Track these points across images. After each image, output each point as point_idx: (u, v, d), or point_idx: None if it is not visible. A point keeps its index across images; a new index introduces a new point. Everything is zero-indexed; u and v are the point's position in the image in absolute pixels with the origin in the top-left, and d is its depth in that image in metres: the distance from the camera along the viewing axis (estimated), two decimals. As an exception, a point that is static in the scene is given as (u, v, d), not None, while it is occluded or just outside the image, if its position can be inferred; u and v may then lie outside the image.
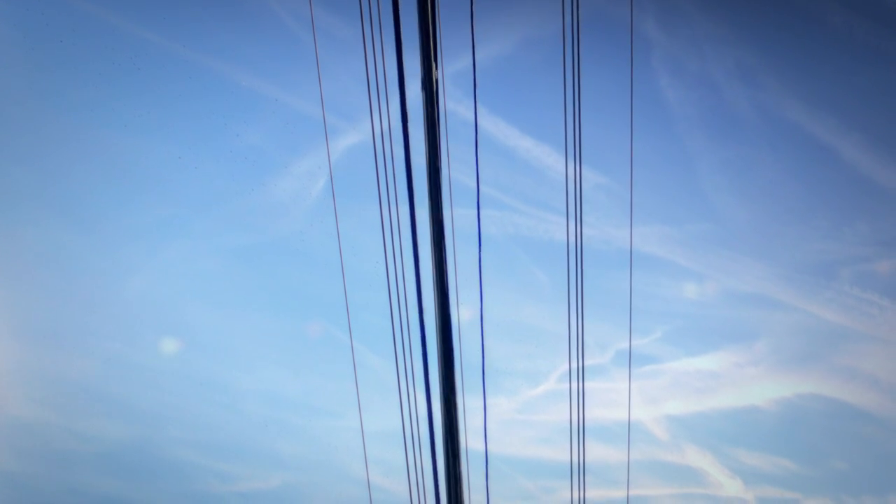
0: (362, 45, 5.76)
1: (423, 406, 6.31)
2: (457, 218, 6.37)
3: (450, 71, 6.18)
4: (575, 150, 6.46)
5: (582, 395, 7.40)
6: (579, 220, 6.88)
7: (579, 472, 7.74)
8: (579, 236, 6.95)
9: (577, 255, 7.03)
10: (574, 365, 7.22)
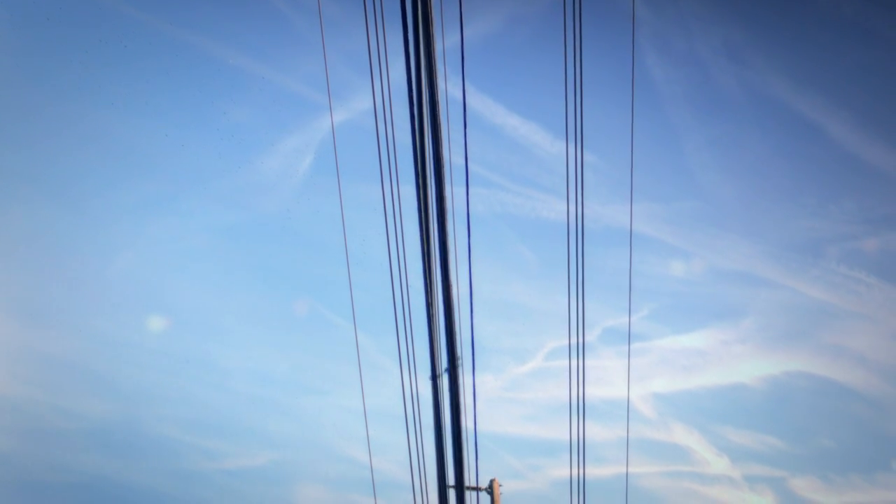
0: (350, 24, 5.76)
1: (420, 385, 6.35)
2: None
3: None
4: (576, 133, 6.50)
5: (582, 375, 7.46)
6: (580, 202, 6.92)
7: (579, 449, 7.80)
8: (580, 216, 6.99)
9: (577, 234, 7.07)
10: (574, 341, 7.26)
